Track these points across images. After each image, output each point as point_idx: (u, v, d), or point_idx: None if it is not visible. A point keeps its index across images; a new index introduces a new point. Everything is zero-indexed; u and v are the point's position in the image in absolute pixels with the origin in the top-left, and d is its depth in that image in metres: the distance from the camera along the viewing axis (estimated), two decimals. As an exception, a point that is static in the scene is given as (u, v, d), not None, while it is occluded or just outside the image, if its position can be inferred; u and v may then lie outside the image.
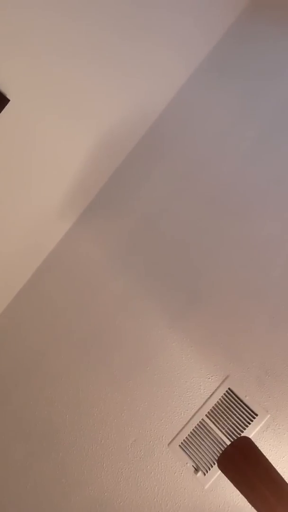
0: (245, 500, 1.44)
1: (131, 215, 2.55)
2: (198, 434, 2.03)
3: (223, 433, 1.98)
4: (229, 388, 2.03)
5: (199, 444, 2.01)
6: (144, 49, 2.38)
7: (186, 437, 2.04)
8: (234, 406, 2.00)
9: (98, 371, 2.31)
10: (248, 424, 1.95)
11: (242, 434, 1.94)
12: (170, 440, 2.07)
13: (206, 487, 1.96)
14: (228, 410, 2.01)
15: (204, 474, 1.97)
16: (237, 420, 1.98)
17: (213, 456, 1.98)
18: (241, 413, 1.98)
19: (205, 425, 2.02)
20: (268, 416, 1.94)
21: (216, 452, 1.98)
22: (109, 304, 2.42)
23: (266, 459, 1.43)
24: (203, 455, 2.00)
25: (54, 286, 2.61)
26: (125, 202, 2.59)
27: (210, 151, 2.47)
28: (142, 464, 2.09)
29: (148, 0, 2.26)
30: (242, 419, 1.97)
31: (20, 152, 2.28)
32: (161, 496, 2.03)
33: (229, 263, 2.23)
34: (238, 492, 1.48)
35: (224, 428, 1.99)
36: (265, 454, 1.45)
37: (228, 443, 1.95)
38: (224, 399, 2.02)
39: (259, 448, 1.46)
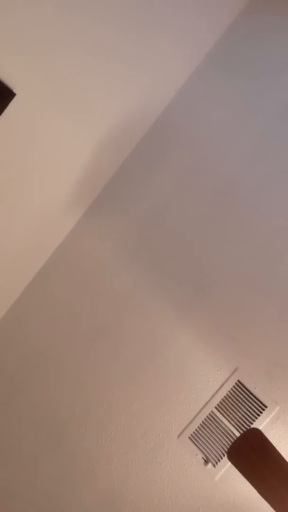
0: (255, 491, 1.44)
1: (137, 210, 2.54)
2: (207, 426, 2.03)
3: (232, 425, 1.99)
4: (238, 380, 2.03)
5: (209, 436, 2.02)
6: (148, 43, 2.36)
7: (196, 429, 2.05)
8: (244, 398, 2.00)
9: (107, 364, 2.32)
10: (257, 416, 1.95)
11: (252, 426, 1.94)
12: (179, 432, 2.08)
13: (216, 478, 1.97)
14: (237, 402, 2.01)
15: (214, 466, 1.98)
16: (247, 412, 1.98)
17: (222, 447, 1.98)
18: (251, 405, 1.98)
19: (215, 417, 2.02)
20: (278, 408, 1.93)
21: (225, 443, 1.98)
22: (116, 299, 2.42)
23: (276, 451, 1.43)
24: (212, 447, 2.00)
25: (60, 281, 2.61)
26: (130, 198, 2.58)
27: (216, 145, 2.45)
28: (152, 456, 2.10)
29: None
30: (251, 411, 1.97)
31: (25, 147, 2.28)
32: (171, 488, 2.04)
33: (236, 255, 2.22)
34: (248, 483, 1.49)
35: (233, 420, 1.99)
36: (275, 445, 1.46)
37: (238, 435, 1.96)
38: (233, 391, 2.02)
39: (268, 439, 1.46)
